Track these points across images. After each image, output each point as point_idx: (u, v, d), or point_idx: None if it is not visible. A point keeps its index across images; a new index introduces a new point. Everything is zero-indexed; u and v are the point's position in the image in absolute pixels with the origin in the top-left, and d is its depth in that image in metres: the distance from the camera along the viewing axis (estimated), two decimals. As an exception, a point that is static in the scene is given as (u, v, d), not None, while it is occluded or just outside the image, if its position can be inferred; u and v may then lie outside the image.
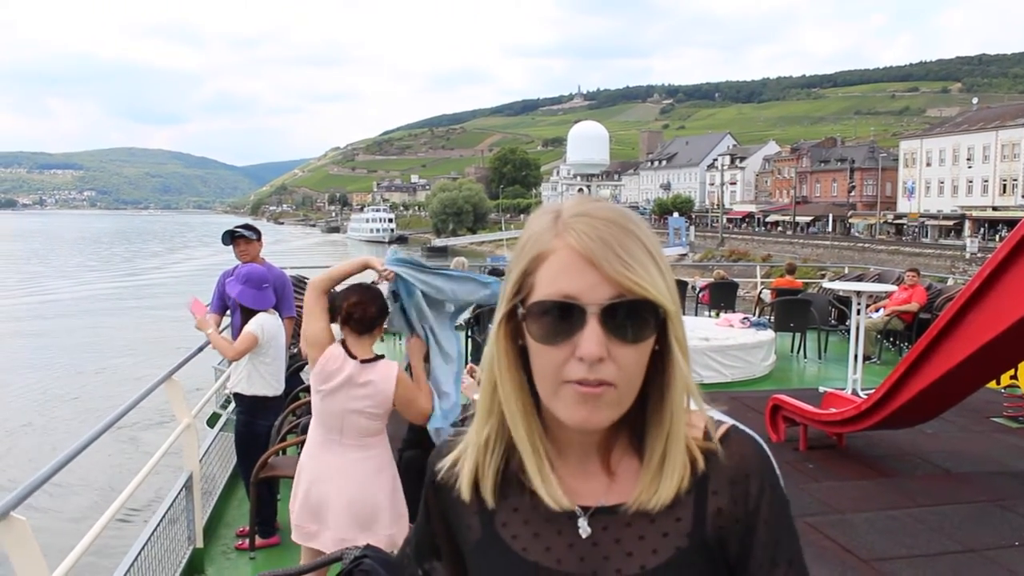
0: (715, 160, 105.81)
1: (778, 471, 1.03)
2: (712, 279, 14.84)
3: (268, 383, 4.96)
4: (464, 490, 1.03)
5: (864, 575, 4.13)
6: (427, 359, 3.59)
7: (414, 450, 4.19)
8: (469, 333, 10.19)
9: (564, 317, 0.91)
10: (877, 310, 11.17)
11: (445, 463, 1.09)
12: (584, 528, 1.00)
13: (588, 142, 12.53)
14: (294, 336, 6.16)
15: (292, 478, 3.48)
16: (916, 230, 73.14)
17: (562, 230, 0.94)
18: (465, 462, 1.04)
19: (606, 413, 0.93)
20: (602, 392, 0.91)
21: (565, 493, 1.01)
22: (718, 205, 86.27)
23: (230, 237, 5.87)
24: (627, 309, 0.91)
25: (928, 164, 75.33)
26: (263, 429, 5.01)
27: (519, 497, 1.03)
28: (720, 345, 9.25)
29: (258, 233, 6.03)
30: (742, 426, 1.04)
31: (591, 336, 0.90)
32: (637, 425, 0.99)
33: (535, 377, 0.96)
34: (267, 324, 4.90)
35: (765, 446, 1.03)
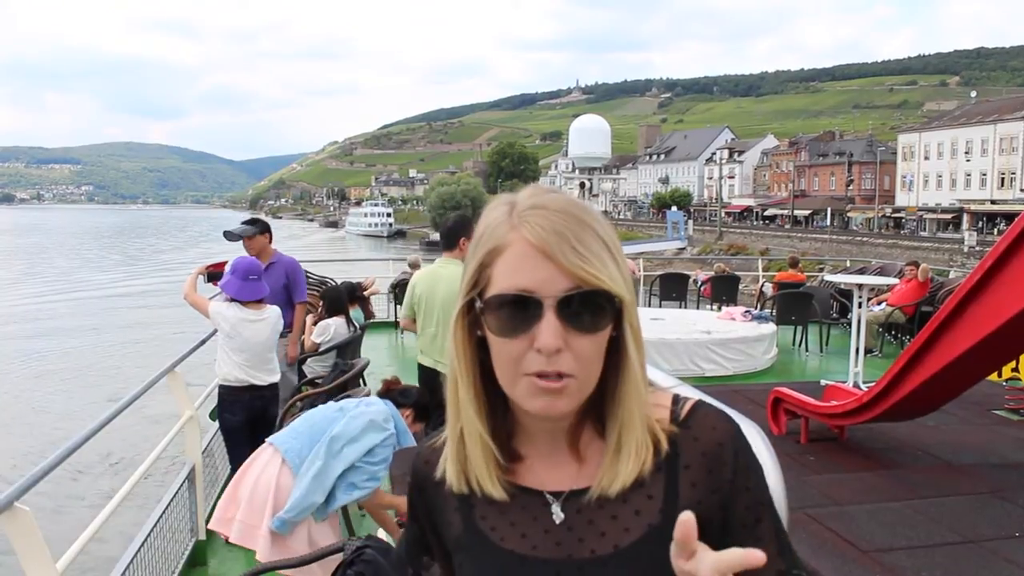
0: (713, 154, 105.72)
1: (747, 439, 1.05)
2: (713, 273, 14.85)
3: (230, 369, 4.99)
4: (454, 483, 1.04)
5: (864, 566, 4.14)
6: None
7: None
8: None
9: (521, 310, 0.92)
10: (879, 303, 11.18)
11: (426, 464, 1.11)
12: (557, 514, 1.01)
13: (589, 135, 12.54)
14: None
15: None
16: (914, 224, 73.17)
17: (517, 223, 0.95)
18: (448, 457, 1.05)
19: (565, 402, 0.94)
20: (562, 386, 0.92)
21: (535, 480, 1.03)
22: (716, 199, 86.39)
23: (235, 236, 6.19)
24: (583, 300, 0.92)
25: (926, 158, 75.29)
26: (230, 423, 5.04)
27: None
28: (722, 338, 9.25)
29: (261, 227, 6.27)
30: (709, 399, 1.07)
31: (548, 328, 0.91)
32: (601, 410, 1.00)
33: (496, 368, 0.97)
34: (227, 312, 4.98)
35: (733, 416, 1.05)
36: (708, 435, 1.01)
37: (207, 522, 4.93)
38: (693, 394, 1.07)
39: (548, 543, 1.01)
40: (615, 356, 0.97)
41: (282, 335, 6.26)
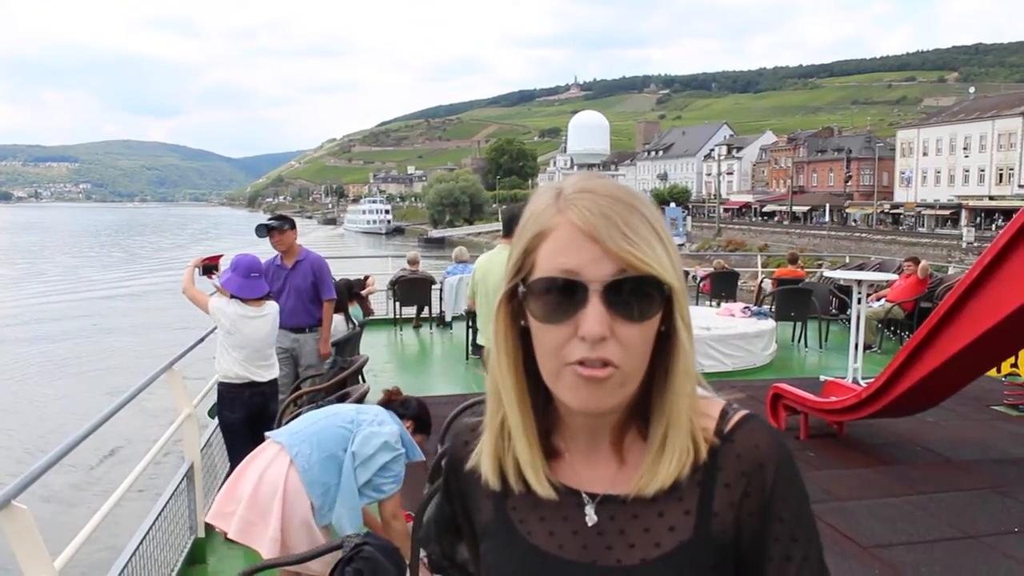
0: (712, 150, 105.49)
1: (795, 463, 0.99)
2: (713, 269, 14.85)
3: (230, 366, 5.02)
4: (489, 475, 1.02)
5: (864, 562, 4.14)
6: None
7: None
8: (470, 323, 10.20)
9: (566, 295, 0.89)
10: (878, 299, 11.18)
11: (465, 446, 1.09)
12: (591, 516, 0.98)
13: (588, 132, 12.51)
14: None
15: None
16: (913, 220, 73.20)
17: (564, 207, 0.92)
18: (484, 447, 1.03)
19: (609, 395, 0.90)
20: (606, 375, 0.89)
21: (573, 479, 1.00)
22: (715, 195, 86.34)
23: (266, 230, 6.24)
24: (631, 286, 0.89)
25: (925, 153, 75.31)
26: (229, 420, 5.07)
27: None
28: (721, 334, 9.25)
29: (291, 223, 6.42)
30: (760, 417, 1.01)
31: (593, 314, 0.88)
32: (647, 410, 0.97)
33: (538, 358, 0.94)
34: (227, 309, 5.01)
35: (782, 437, 1.00)
36: (750, 453, 0.96)
37: (207, 521, 4.94)
38: (743, 408, 1.02)
39: (575, 544, 0.98)
40: (664, 349, 0.94)
41: (311, 328, 6.34)
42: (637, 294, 0.89)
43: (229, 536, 3.48)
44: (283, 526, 3.36)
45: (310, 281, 6.34)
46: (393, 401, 3.84)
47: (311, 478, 3.42)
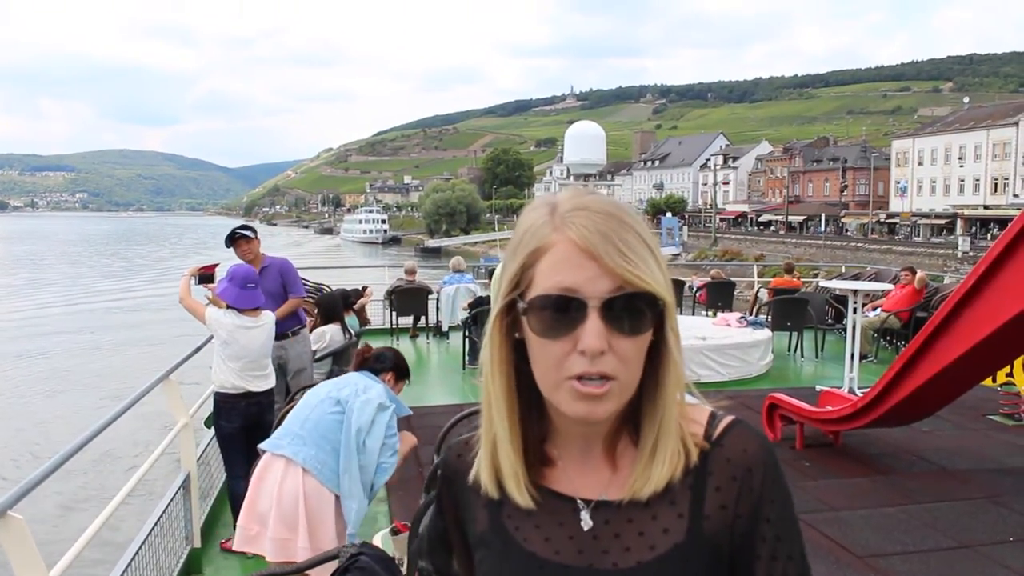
0: (708, 160, 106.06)
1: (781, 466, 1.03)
2: (709, 278, 14.87)
3: (227, 376, 5.01)
4: (487, 484, 1.03)
5: (859, 572, 4.14)
6: None
7: None
8: (466, 333, 10.20)
9: (565, 311, 0.91)
10: (874, 309, 11.21)
11: (459, 459, 1.11)
12: (586, 521, 1.00)
13: (585, 142, 12.52)
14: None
15: None
16: (908, 229, 73.39)
17: (560, 224, 0.94)
18: (482, 456, 1.04)
19: (606, 406, 0.93)
20: (606, 391, 0.91)
21: (568, 485, 1.02)
22: (711, 205, 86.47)
23: (230, 240, 6.21)
24: (627, 302, 0.91)
25: (920, 163, 75.58)
26: (226, 431, 5.07)
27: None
28: (717, 344, 9.26)
29: (255, 231, 6.42)
30: (745, 422, 1.04)
31: (592, 329, 0.90)
32: (638, 417, 0.99)
33: (536, 371, 0.96)
34: (224, 319, 4.99)
35: (768, 441, 1.03)
36: (739, 457, 0.99)
37: (203, 531, 4.93)
38: (730, 414, 1.06)
39: (571, 550, 1.00)
40: (655, 360, 0.97)
41: (295, 332, 6.34)
42: (633, 309, 0.92)
43: (268, 558, 3.47)
44: (313, 531, 3.39)
45: (280, 284, 6.36)
46: (367, 360, 3.82)
47: (327, 475, 3.45)
